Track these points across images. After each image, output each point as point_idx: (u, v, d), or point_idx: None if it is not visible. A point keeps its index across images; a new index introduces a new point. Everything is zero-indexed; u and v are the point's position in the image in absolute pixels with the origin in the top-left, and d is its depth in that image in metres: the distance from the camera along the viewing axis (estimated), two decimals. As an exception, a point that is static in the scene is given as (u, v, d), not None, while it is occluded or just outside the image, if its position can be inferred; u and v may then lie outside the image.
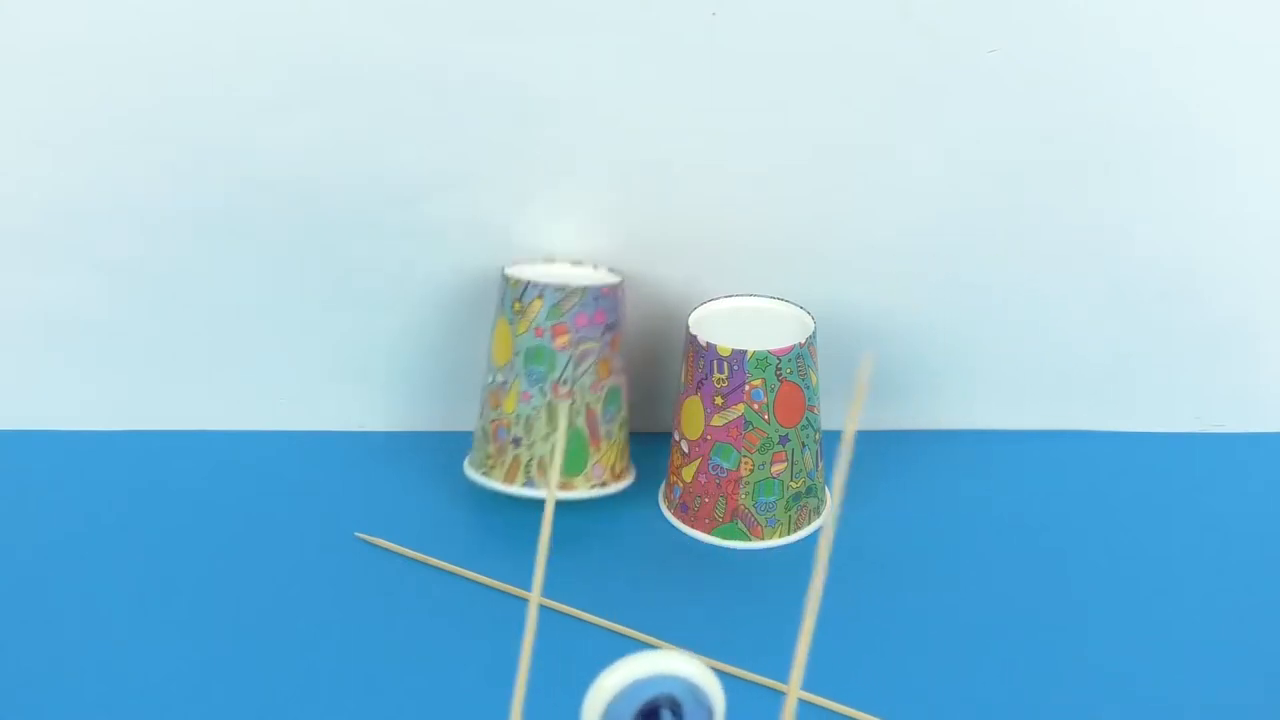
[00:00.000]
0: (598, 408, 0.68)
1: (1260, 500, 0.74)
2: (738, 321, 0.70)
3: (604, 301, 0.68)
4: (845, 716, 0.57)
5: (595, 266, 0.73)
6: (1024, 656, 0.61)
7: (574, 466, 0.69)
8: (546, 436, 0.68)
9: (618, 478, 0.71)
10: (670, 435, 0.72)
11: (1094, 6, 0.66)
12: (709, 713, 0.36)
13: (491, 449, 0.70)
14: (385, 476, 0.75)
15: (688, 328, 0.69)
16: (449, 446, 0.78)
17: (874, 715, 0.56)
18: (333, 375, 0.78)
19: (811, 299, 0.72)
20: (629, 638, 0.62)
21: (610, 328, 0.69)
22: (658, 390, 0.77)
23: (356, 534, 0.69)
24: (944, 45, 0.67)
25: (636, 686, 0.35)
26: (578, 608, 0.63)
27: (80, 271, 0.74)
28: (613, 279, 0.71)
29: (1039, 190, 0.72)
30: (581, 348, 0.67)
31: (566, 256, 0.73)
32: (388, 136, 0.69)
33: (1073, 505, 0.73)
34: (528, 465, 0.68)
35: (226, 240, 0.73)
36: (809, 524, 0.71)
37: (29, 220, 0.72)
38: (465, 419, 0.77)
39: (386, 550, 0.68)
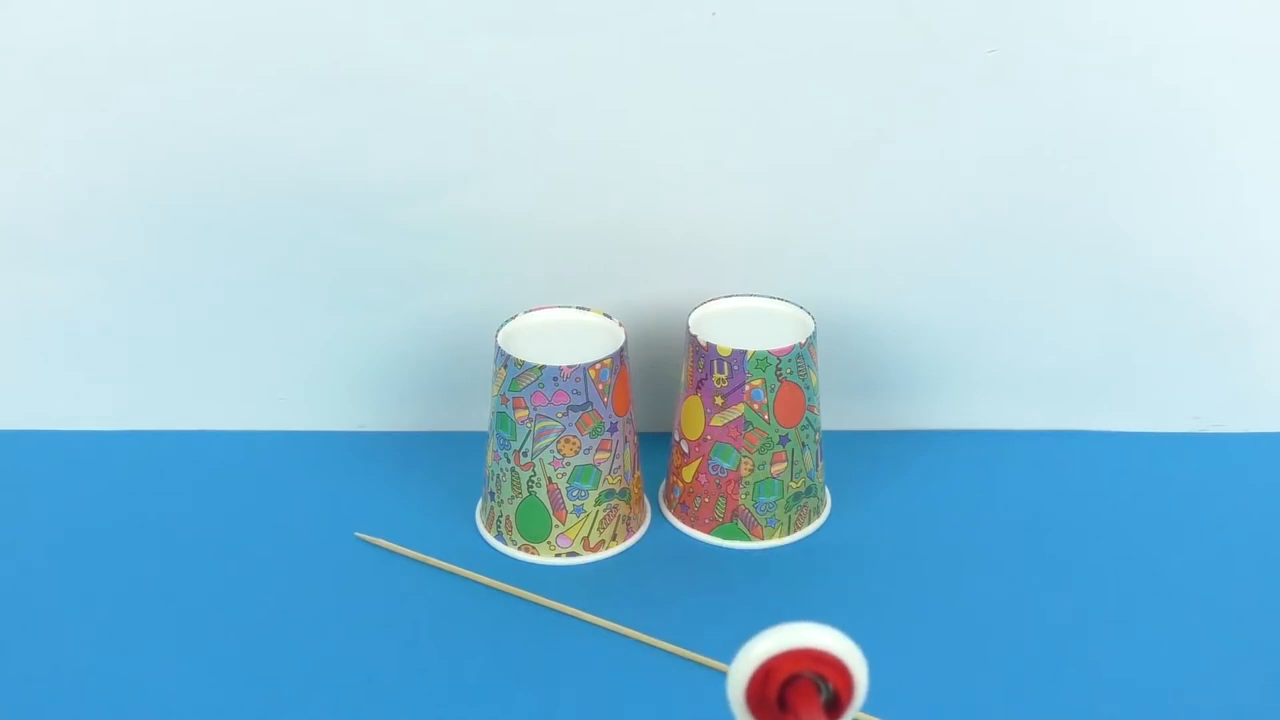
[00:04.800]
0: (561, 483, 0.65)
1: (1260, 500, 0.74)
2: (738, 321, 0.70)
3: (565, 384, 0.63)
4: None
5: (608, 316, 0.69)
6: (1024, 656, 0.61)
7: (534, 533, 0.67)
8: (512, 499, 0.67)
9: (592, 550, 0.68)
10: (670, 435, 0.72)
11: (1093, 6, 0.66)
12: None
13: (489, 488, 0.69)
14: (385, 476, 0.75)
15: (688, 328, 0.68)
16: (449, 446, 0.78)
17: (874, 715, 0.56)
18: (333, 375, 0.78)
19: (811, 299, 0.72)
20: (628, 637, 0.62)
21: (577, 408, 0.64)
22: (658, 390, 0.77)
23: (356, 534, 0.69)
24: (944, 45, 0.67)
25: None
26: (577, 607, 0.63)
27: (80, 271, 0.74)
28: (598, 354, 0.64)
29: (1039, 190, 0.72)
30: (539, 425, 0.64)
31: (581, 303, 0.70)
32: (387, 136, 0.69)
33: (1072, 505, 0.73)
34: (499, 520, 0.68)
35: (226, 240, 0.73)
36: (809, 524, 0.71)
37: (29, 220, 0.72)
38: (465, 419, 0.77)
39: (386, 550, 0.68)
